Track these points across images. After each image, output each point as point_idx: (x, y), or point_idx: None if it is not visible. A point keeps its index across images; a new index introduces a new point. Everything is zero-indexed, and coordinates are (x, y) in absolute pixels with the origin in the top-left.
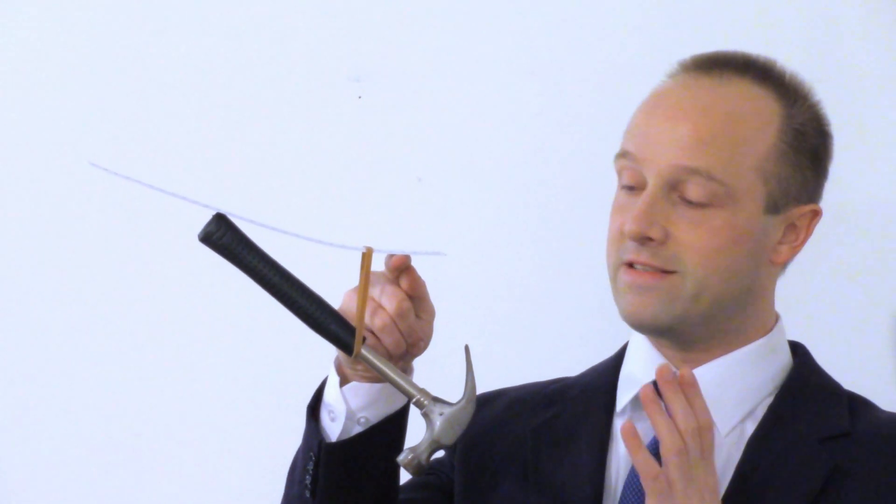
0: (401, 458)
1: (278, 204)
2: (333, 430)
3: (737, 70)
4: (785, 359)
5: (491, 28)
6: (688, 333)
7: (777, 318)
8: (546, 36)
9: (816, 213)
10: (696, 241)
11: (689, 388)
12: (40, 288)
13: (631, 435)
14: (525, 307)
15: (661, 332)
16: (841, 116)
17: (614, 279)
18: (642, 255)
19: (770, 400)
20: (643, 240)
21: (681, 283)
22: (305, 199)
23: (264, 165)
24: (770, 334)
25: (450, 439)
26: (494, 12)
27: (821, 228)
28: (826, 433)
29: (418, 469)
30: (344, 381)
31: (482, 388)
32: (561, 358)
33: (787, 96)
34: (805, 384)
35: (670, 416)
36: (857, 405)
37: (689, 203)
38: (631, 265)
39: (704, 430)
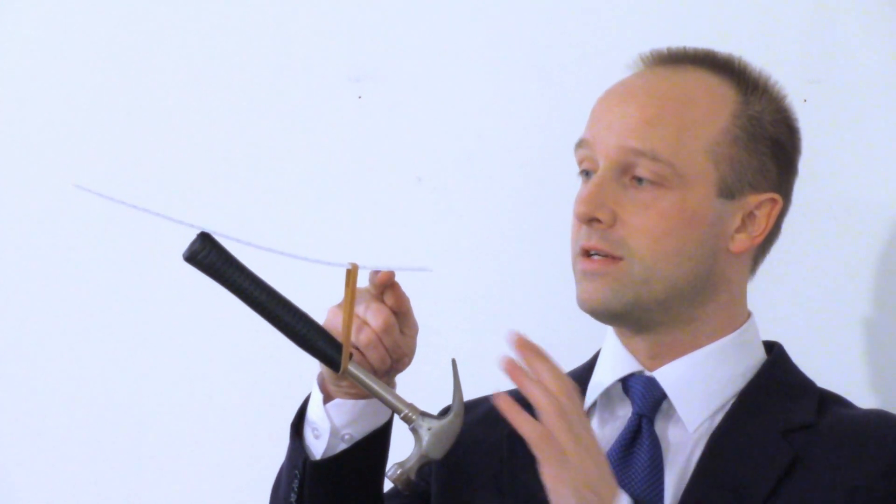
0: (389, 472)
1: (277, 203)
2: (318, 447)
3: (694, 60)
4: (757, 356)
5: (491, 28)
6: (645, 320)
7: (749, 315)
8: (547, 36)
9: (776, 202)
10: (643, 224)
11: (543, 355)
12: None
13: (506, 403)
14: (525, 308)
15: (614, 317)
16: (841, 116)
17: (573, 269)
18: (592, 239)
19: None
20: (591, 222)
21: (629, 269)
22: (304, 199)
23: (263, 166)
24: (739, 330)
25: (438, 454)
26: (495, 12)
27: (820, 228)
28: (789, 426)
29: (407, 484)
30: (327, 398)
31: (475, 393)
32: (565, 361)
33: (745, 85)
34: (774, 380)
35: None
36: (829, 401)
37: (639, 185)
38: (586, 253)
39: (573, 390)
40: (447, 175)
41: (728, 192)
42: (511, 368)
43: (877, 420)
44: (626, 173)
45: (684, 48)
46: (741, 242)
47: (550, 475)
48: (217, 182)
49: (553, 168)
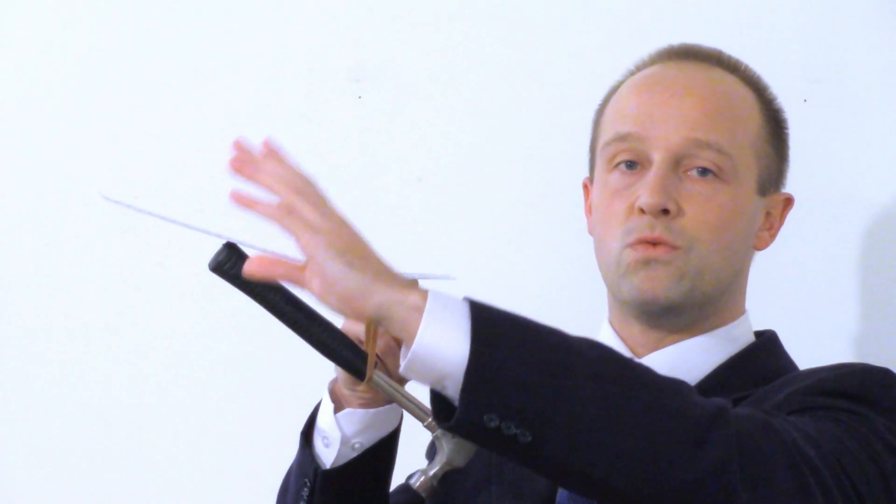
0: (412, 480)
1: None
2: (328, 456)
3: (712, 60)
4: (743, 347)
5: (491, 28)
6: (686, 314)
7: (745, 310)
8: (547, 35)
9: (789, 202)
10: (705, 215)
11: (275, 154)
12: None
13: (236, 195)
14: (526, 308)
15: (664, 310)
16: (841, 116)
17: (617, 262)
18: (657, 229)
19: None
20: (659, 213)
21: (686, 259)
22: None
23: None
24: (731, 324)
25: (462, 461)
26: (495, 12)
27: (819, 228)
28: (743, 395)
29: (431, 491)
30: (338, 407)
31: None
32: None
33: (756, 87)
34: (750, 362)
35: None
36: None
37: (696, 178)
38: (640, 244)
39: (306, 174)
40: (447, 175)
41: (763, 189)
42: (237, 164)
43: (819, 367)
44: (679, 166)
45: (695, 45)
46: (764, 240)
47: (305, 245)
48: (217, 183)
49: (554, 168)
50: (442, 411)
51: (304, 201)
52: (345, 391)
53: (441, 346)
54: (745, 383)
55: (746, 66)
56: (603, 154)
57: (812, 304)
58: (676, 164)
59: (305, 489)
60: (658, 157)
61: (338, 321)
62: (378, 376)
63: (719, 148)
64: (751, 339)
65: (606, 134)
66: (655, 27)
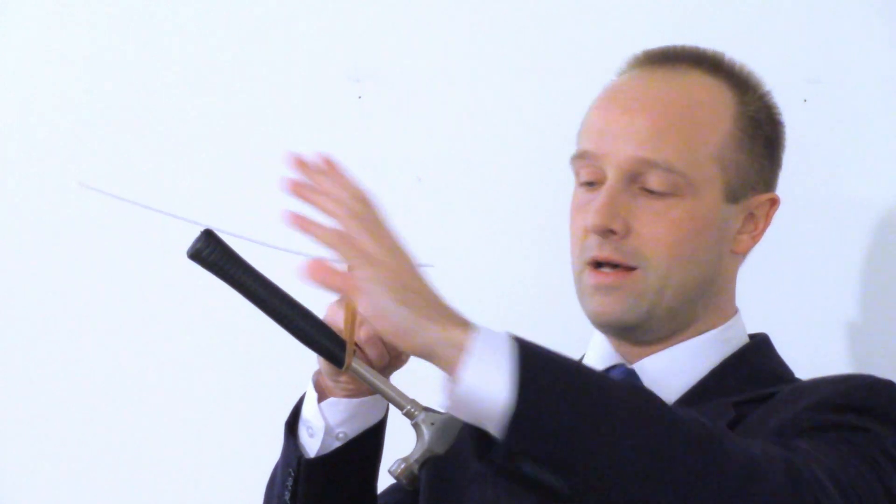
0: (392, 468)
1: (279, 201)
2: (312, 445)
3: (689, 62)
4: (738, 348)
5: (491, 28)
6: (653, 330)
7: (736, 311)
8: (547, 36)
9: (774, 202)
10: (657, 233)
11: (334, 171)
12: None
13: (296, 217)
14: (525, 308)
15: (627, 329)
16: (841, 116)
17: (579, 280)
18: (605, 250)
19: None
20: (605, 233)
21: (644, 279)
22: None
23: (262, 165)
24: (724, 326)
25: (442, 448)
26: (494, 12)
27: (820, 228)
28: (742, 398)
29: (411, 479)
30: (322, 396)
31: None
32: None
33: (739, 85)
34: (744, 364)
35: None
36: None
37: (650, 194)
38: (596, 265)
39: (365, 194)
40: (447, 175)
41: (733, 196)
42: (294, 187)
43: (824, 377)
44: (635, 182)
45: (674, 47)
46: (744, 243)
47: (361, 277)
48: (218, 180)
49: (553, 168)
50: (480, 444)
51: (361, 228)
52: (328, 381)
53: (483, 389)
54: (740, 385)
55: (732, 65)
56: (572, 168)
57: (811, 305)
58: (630, 180)
59: (290, 479)
60: (610, 175)
61: (319, 310)
62: (357, 364)
63: (668, 166)
64: (744, 340)
65: (576, 147)
66: (655, 27)
